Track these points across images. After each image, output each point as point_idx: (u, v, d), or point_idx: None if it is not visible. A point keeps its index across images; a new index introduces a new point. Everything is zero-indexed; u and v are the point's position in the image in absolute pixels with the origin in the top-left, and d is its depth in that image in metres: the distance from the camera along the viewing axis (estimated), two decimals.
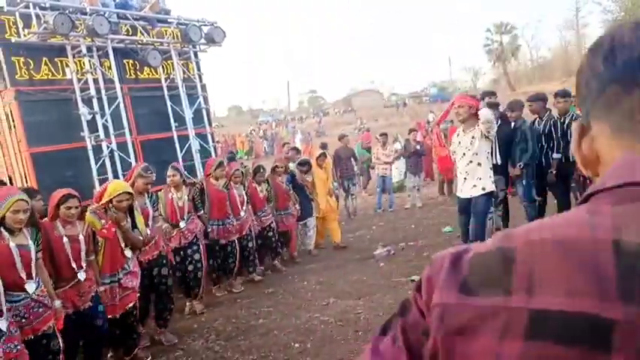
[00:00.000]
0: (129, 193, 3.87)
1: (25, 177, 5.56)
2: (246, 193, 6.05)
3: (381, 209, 10.22)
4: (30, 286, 2.99)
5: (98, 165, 5.91)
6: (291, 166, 9.32)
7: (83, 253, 3.49)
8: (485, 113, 4.36)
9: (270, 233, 6.48)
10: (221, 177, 5.70)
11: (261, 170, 6.47)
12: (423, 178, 11.62)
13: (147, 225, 4.23)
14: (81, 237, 3.51)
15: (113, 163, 6.06)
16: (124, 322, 3.92)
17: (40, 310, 3.05)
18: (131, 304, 3.92)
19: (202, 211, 5.44)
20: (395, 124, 29.43)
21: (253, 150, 28.26)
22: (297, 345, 4.06)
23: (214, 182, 5.65)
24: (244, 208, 5.92)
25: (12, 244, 2.95)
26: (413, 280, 5.25)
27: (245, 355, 4.01)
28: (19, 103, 5.50)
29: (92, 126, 5.95)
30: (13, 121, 5.60)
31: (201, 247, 5.22)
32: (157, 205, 4.68)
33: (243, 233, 5.91)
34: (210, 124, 7.53)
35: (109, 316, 3.76)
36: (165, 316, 4.55)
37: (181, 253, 5.10)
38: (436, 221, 8.10)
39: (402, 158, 10.50)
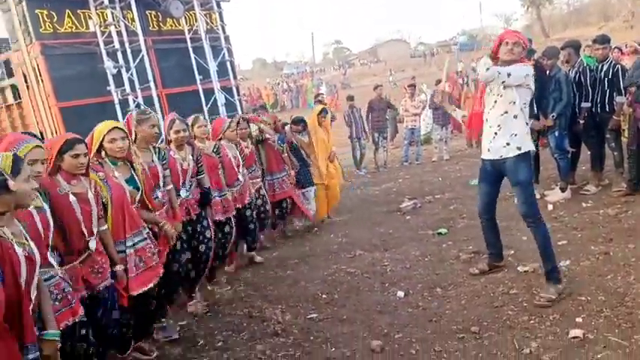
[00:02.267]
0: (122, 129, 3.06)
1: (55, 131, 5.67)
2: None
3: (407, 162, 10.12)
4: (53, 259, 2.37)
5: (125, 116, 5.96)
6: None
7: (95, 217, 2.69)
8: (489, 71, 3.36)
9: (260, 201, 5.35)
10: (201, 136, 4.50)
11: (241, 121, 5.21)
12: (451, 130, 11.36)
13: (157, 187, 3.49)
14: (90, 195, 2.68)
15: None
16: (139, 307, 3.10)
17: (70, 290, 2.44)
18: (153, 283, 3.12)
19: (204, 175, 4.19)
20: (423, 74, 28.59)
21: (278, 103, 28.10)
22: (324, 295, 4.14)
23: (201, 145, 4.44)
24: (241, 171, 4.90)
25: (31, 207, 2.20)
26: (439, 234, 5.23)
27: (274, 304, 4.10)
28: (45, 57, 5.54)
29: (118, 80, 5.97)
30: (40, 75, 5.66)
31: (210, 223, 4.24)
32: (167, 164, 3.66)
33: (245, 202, 4.95)
34: (235, 76, 7.46)
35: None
36: (175, 299, 3.86)
37: (189, 229, 4.01)
38: (463, 174, 7.98)
39: (428, 110, 10.25)
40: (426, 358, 2.90)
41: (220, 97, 6.86)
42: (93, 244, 2.68)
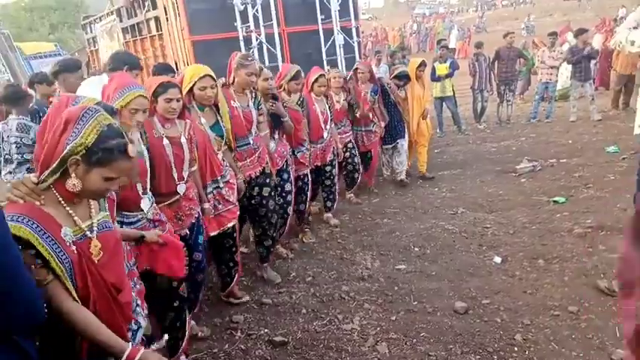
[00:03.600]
0: (212, 77, 3.00)
1: (187, 63, 6.11)
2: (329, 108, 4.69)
3: (535, 119, 9.23)
4: (145, 204, 2.36)
5: (251, 52, 6.21)
6: (437, 66, 8.75)
7: (186, 162, 2.67)
8: None
9: (348, 154, 5.18)
10: (294, 91, 4.32)
11: (335, 74, 4.97)
12: (595, 87, 10.05)
13: (250, 133, 3.42)
14: (183, 139, 2.65)
15: (261, 55, 6.31)
16: (220, 245, 3.21)
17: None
18: (231, 224, 3.15)
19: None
20: (575, 20, 25.21)
21: (404, 45, 27.04)
22: (416, 249, 4.11)
23: (287, 97, 4.25)
24: (328, 127, 4.63)
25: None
26: (556, 202, 4.80)
27: (365, 250, 4.19)
28: None
29: (244, 16, 6.16)
30: (177, 9, 6.07)
31: (291, 176, 4.11)
32: (262, 109, 3.62)
33: (327, 159, 4.71)
34: (356, 17, 7.25)
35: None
36: (268, 245, 3.66)
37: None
38: (600, 138, 7.09)
39: (566, 63, 9.04)
40: (511, 328, 2.78)
41: (339, 39, 6.76)
42: (182, 188, 2.65)
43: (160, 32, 6.99)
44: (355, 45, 7.09)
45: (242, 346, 2.90)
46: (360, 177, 5.44)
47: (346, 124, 5.16)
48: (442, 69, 8.72)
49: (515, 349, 2.59)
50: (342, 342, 2.86)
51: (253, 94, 3.51)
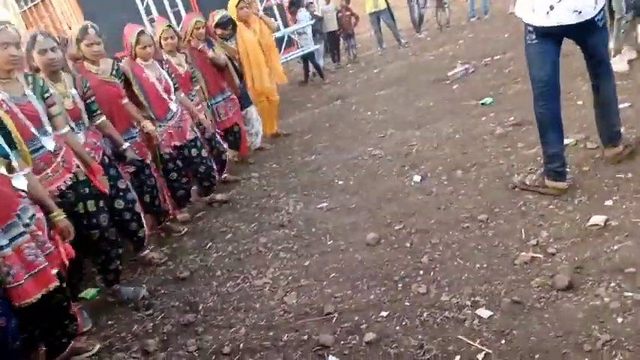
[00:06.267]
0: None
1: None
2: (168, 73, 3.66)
3: (475, 18, 8.86)
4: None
5: (145, 5, 5.72)
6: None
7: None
8: None
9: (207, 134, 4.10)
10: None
11: (165, 29, 3.83)
12: None
13: (42, 132, 2.42)
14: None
15: (159, 3, 5.81)
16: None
17: None
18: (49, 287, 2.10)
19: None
20: None
21: None
22: (340, 182, 3.93)
23: (92, 68, 3.17)
24: (173, 97, 3.63)
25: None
26: (483, 104, 4.60)
27: (290, 192, 4.00)
28: None
29: None
30: None
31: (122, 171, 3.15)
32: (52, 98, 2.53)
33: (188, 137, 3.74)
34: None
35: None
36: (115, 269, 2.91)
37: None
38: None
39: None
40: (420, 251, 2.64)
41: None
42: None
43: None
44: None
45: (150, 324, 2.74)
46: (226, 156, 4.43)
47: (196, 96, 4.08)
48: None
49: (421, 272, 2.46)
50: (252, 300, 2.71)
51: (28, 77, 2.44)
